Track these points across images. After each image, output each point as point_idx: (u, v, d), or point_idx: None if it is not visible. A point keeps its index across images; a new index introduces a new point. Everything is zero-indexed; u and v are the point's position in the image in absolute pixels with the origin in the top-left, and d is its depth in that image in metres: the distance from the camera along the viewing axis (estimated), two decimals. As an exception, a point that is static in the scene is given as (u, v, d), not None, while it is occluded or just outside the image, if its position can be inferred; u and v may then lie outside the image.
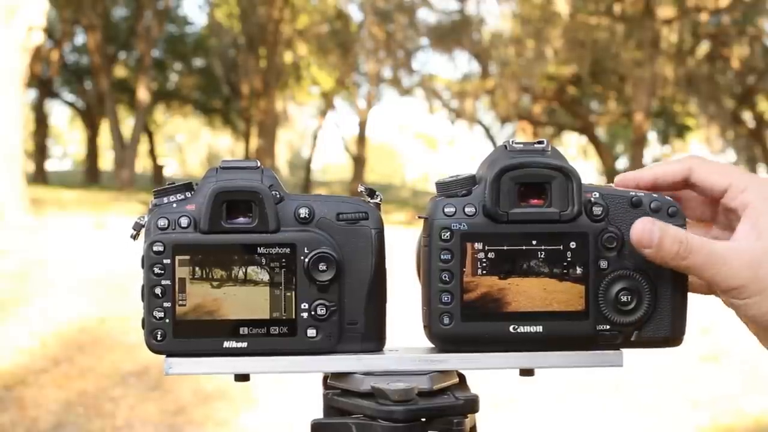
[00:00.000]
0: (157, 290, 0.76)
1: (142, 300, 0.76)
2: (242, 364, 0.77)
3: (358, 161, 24.84)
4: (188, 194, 0.78)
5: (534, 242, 0.77)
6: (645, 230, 0.75)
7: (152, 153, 28.42)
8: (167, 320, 0.76)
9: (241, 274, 0.76)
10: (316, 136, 27.05)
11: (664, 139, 27.74)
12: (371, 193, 0.80)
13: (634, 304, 0.78)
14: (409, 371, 0.78)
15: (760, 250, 0.73)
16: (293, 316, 0.77)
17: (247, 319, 0.77)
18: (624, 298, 0.77)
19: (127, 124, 26.12)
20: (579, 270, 0.77)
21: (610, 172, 20.67)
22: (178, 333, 0.76)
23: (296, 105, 28.93)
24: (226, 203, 0.77)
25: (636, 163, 18.47)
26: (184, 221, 0.76)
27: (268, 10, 20.27)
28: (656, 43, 16.73)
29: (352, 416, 0.76)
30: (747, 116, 20.82)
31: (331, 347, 0.78)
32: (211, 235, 0.76)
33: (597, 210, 0.77)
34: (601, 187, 0.79)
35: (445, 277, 0.76)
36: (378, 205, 0.80)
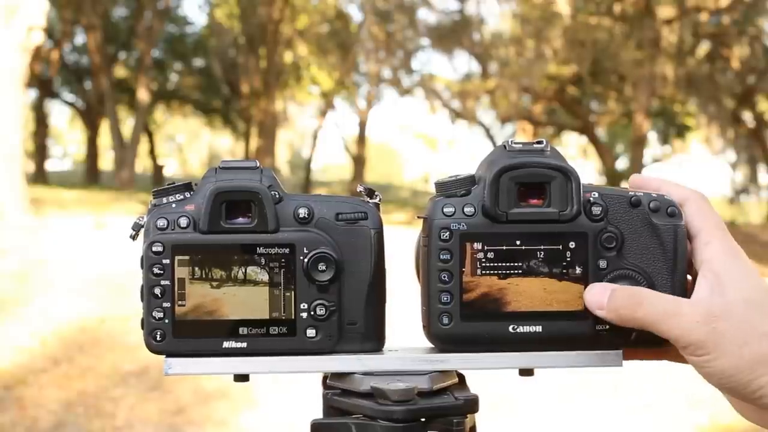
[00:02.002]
0: (157, 290, 0.76)
1: (142, 300, 0.76)
2: (242, 364, 0.77)
3: (358, 161, 24.83)
4: (188, 194, 0.78)
5: (533, 242, 0.77)
6: (595, 293, 0.75)
7: (152, 153, 28.41)
8: (167, 320, 0.76)
9: (240, 274, 0.76)
10: (316, 136, 27.04)
11: (664, 139, 27.72)
12: (370, 193, 0.80)
13: (634, 304, 0.77)
14: (408, 371, 0.78)
15: (716, 306, 0.71)
16: (293, 317, 0.77)
17: (247, 319, 0.77)
18: (623, 298, 0.77)
19: (127, 124, 26.10)
20: (578, 270, 0.77)
21: (610, 172, 20.67)
22: (178, 333, 0.76)
23: (296, 105, 28.92)
24: (226, 203, 0.77)
25: (636, 163, 18.46)
26: (183, 221, 0.76)
27: (268, 10, 20.25)
28: (656, 43, 16.73)
29: (351, 416, 0.76)
30: (747, 116, 20.81)
31: (330, 347, 0.78)
32: (211, 235, 0.76)
33: (596, 210, 0.77)
34: (600, 186, 0.79)
35: (444, 277, 0.76)
36: (377, 205, 0.80)
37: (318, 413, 0.79)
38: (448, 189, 0.78)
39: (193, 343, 0.77)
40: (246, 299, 0.76)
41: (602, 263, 0.77)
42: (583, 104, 21.93)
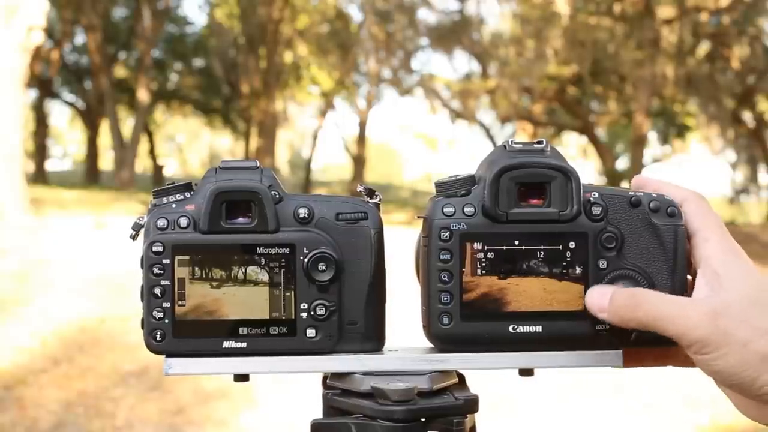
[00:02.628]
0: (157, 290, 0.76)
1: (142, 300, 0.76)
2: (242, 364, 0.77)
3: (358, 161, 24.82)
4: (188, 194, 0.78)
5: (533, 242, 0.77)
6: (596, 296, 0.76)
7: (152, 153, 28.41)
8: (167, 320, 0.76)
9: (240, 274, 0.76)
10: (316, 136, 27.03)
11: (664, 139, 27.72)
12: (370, 193, 0.80)
13: (634, 304, 0.77)
14: (408, 371, 0.78)
15: (718, 303, 0.70)
16: (293, 316, 0.77)
17: (247, 319, 0.77)
18: (623, 298, 0.77)
19: (127, 124, 26.10)
20: (578, 270, 0.77)
21: (610, 172, 20.67)
22: (178, 333, 0.76)
23: (296, 105, 28.91)
24: (226, 203, 0.77)
25: (636, 163, 18.46)
26: (183, 221, 0.76)
27: (268, 10, 20.25)
28: (656, 43, 16.73)
29: (351, 416, 0.76)
30: (747, 116, 20.81)
31: (330, 347, 0.78)
32: (211, 235, 0.76)
33: (596, 210, 0.77)
34: (600, 187, 0.79)
35: (444, 277, 0.76)
36: (377, 205, 0.80)
37: (318, 413, 0.79)
38: (448, 189, 0.78)
39: (193, 343, 0.77)
40: (246, 299, 0.76)
41: (602, 263, 0.77)
42: (583, 104, 21.92)
